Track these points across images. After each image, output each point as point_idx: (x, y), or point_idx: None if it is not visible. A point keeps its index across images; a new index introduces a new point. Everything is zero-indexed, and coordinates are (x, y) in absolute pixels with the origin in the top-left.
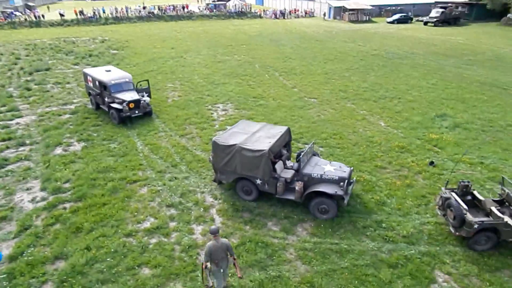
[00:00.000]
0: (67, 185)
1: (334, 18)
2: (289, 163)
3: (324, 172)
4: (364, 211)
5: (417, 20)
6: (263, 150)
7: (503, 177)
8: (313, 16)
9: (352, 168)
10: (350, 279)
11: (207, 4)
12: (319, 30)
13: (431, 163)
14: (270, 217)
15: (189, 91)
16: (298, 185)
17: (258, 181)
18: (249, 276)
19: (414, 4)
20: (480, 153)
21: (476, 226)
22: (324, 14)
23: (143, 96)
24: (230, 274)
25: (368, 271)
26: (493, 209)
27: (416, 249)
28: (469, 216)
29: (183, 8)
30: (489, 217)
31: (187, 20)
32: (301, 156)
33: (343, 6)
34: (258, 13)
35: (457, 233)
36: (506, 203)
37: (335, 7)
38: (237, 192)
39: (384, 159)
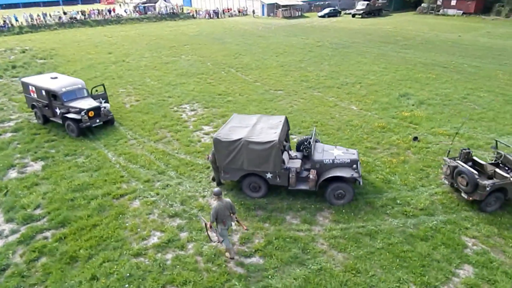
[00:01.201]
0: (38, 211)
1: (268, 15)
2: (291, 153)
3: (335, 157)
4: (375, 191)
5: (345, 13)
6: (272, 141)
7: (496, 141)
8: (247, 14)
9: (357, 150)
10: (391, 258)
11: (135, 7)
12: (258, 27)
13: (415, 138)
14: (286, 210)
15: (146, 94)
16: (312, 174)
17: (269, 175)
18: (291, 274)
19: None
20: (452, 124)
21: (488, 188)
22: (253, 12)
23: (101, 103)
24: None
25: (404, 247)
26: (498, 170)
27: (437, 219)
28: (482, 180)
29: (109, 11)
30: (492, 179)
31: (115, 24)
32: (311, 144)
33: (276, 3)
34: (191, 14)
35: (470, 198)
36: (502, 165)
37: (268, 4)
38: (243, 190)
39: (371, 140)
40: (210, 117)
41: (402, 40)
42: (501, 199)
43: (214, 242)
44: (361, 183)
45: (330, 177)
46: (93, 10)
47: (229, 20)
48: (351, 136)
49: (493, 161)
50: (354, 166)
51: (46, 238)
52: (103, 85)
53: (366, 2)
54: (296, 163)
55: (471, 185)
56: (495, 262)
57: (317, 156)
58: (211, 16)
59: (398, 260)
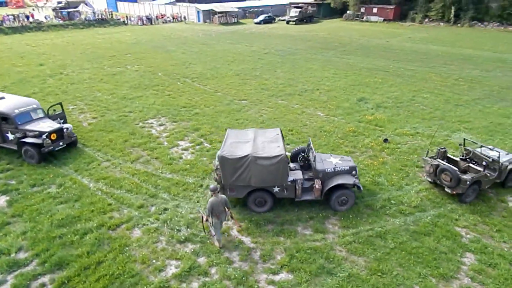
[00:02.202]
0: (23, 254)
1: (204, 21)
2: (290, 165)
3: (335, 165)
4: (369, 194)
5: (279, 20)
6: (280, 155)
7: (464, 139)
8: (181, 21)
9: (350, 157)
10: (406, 256)
11: (56, 12)
12: (197, 34)
13: (385, 140)
14: (295, 222)
15: (103, 110)
16: (317, 183)
17: (276, 189)
18: (323, 285)
19: (272, 6)
20: (410, 125)
21: (468, 182)
22: (185, 18)
23: (60, 124)
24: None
25: (413, 244)
26: (472, 166)
27: (430, 214)
28: (463, 175)
29: (27, 17)
30: (466, 173)
31: (35, 31)
32: (310, 154)
33: (212, 9)
34: (122, 20)
35: (454, 192)
36: (471, 160)
37: (203, 10)
38: (248, 206)
39: (348, 145)
40: (183, 132)
41: (340, 46)
42: (476, 190)
43: (209, 234)
44: (361, 188)
45: (334, 185)
46: (7, 15)
47: (164, 26)
48: (328, 142)
49: (463, 157)
50: (354, 172)
51: (44, 285)
52: (60, 103)
53: (298, 10)
54: (298, 174)
55: (454, 180)
56: (489, 247)
57: (319, 165)
58: (144, 22)
59: (412, 256)
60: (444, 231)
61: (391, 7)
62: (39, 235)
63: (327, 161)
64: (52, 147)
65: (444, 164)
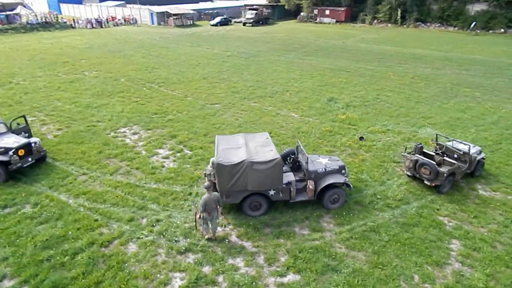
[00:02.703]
0: (8, 282)
1: (159, 24)
2: None
3: (326, 165)
4: (356, 191)
5: (235, 22)
6: (276, 158)
7: (437, 134)
8: (133, 24)
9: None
10: (400, 248)
11: None
12: (154, 37)
13: (361, 138)
14: (292, 223)
15: (68, 121)
16: (311, 184)
17: (272, 192)
18: (331, 282)
19: (227, 8)
20: (381, 122)
21: (446, 174)
22: (135, 20)
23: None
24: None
25: (405, 235)
26: (447, 159)
27: (414, 206)
28: (440, 168)
29: None
30: (440, 166)
31: None
32: (302, 156)
33: (167, 12)
34: (69, 23)
35: (433, 184)
36: (444, 154)
37: (157, 12)
38: (243, 210)
39: (327, 144)
40: (160, 139)
41: (300, 47)
42: (451, 181)
43: (198, 231)
44: (351, 186)
45: (326, 184)
46: None
47: (117, 29)
48: (308, 142)
49: (436, 151)
50: (343, 171)
51: None
52: (24, 116)
53: (254, 12)
54: (291, 176)
55: (433, 173)
56: (471, 232)
57: (311, 166)
58: (94, 25)
59: (406, 247)
60: (429, 221)
61: (343, 9)
62: (23, 259)
63: (317, 162)
64: (20, 164)
65: (423, 159)
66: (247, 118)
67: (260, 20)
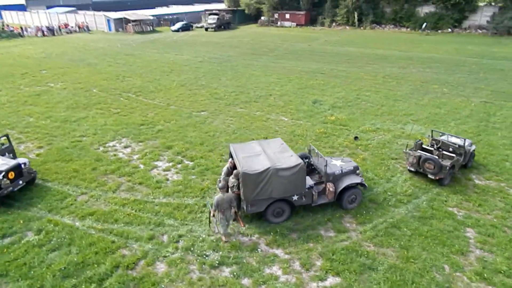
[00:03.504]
0: None
1: (117, 30)
2: None
3: (341, 167)
4: (368, 189)
5: (196, 27)
6: (299, 164)
7: (432, 130)
8: (88, 31)
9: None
10: (424, 240)
11: None
12: (115, 44)
13: (356, 138)
14: (316, 226)
15: (47, 138)
16: (331, 186)
17: (295, 197)
18: (372, 280)
19: (186, 13)
20: (369, 121)
21: (448, 167)
22: (87, 27)
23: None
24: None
25: (425, 228)
26: (446, 153)
27: (423, 200)
28: (445, 162)
29: None
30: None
31: None
32: (318, 159)
33: (125, 18)
34: (17, 32)
35: (436, 177)
36: (440, 149)
37: (114, 19)
38: (266, 218)
39: (325, 146)
40: (155, 151)
41: (269, 51)
42: (452, 174)
43: (212, 229)
44: (366, 186)
45: (345, 186)
46: None
47: (71, 37)
48: (306, 145)
49: (432, 146)
50: (357, 171)
51: None
52: (7, 135)
53: (216, 17)
54: (309, 180)
55: (437, 167)
56: (481, 220)
57: (329, 169)
58: (45, 33)
59: (429, 239)
60: (442, 212)
61: (302, 12)
62: None
63: (332, 164)
64: (11, 188)
65: (426, 154)
66: (238, 125)
67: (222, 25)
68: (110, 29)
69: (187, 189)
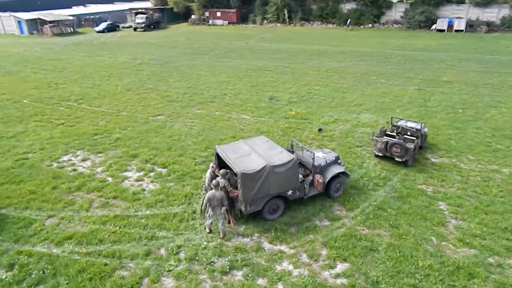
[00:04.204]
0: None
1: (31, 33)
2: None
3: (325, 158)
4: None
5: (123, 27)
6: (292, 159)
7: (392, 117)
8: None
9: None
10: (408, 217)
11: None
12: (33, 48)
13: (320, 130)
14: (310, 217)
15: None
16: (320, 178)
17: (289, 192)
18: (377, 260)
19: (109, 12)
20: (326, 114)
21: (412, 150)
22: None
23: None
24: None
25: (406, 206)
26: (407, 137)
27: (396, 181)
28: (410, 145)
29: None
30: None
31: None
32: (304, 152)
33: (40, 18)
34: None
35: (403, 159)
36: (400, 134)
37: (27, 20)
38: (263, 216)
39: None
40: (120, 162)
41: (209, 50)
42: (414, 155)
43: (206, 225)
44: (348, 174)
45: (332, 175)
46: None
47: None
48: (275, 141)
49: (394, 132)
50: (339, 161)
51: None
52: None
53: (144, 16)
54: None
55: (403, 150)
56: (448, 193)
57: (315, 161)
58: None
59: (413, 216)
60: (415, 190)
61: (233, 10)
62: None
63: (317, 157)
64: None
65: (393, 139)
66: (202, 126)
67: (152, 24)
68: (22, 32)
69: (169, 198)
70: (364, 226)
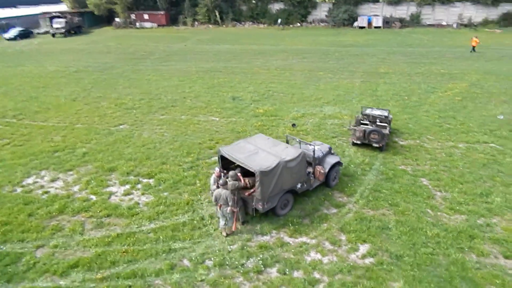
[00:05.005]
0: None
1: None
2: None
3: (321, 150)
4: None
5: (38, 33)
6: (300, 153)
7: (362, 107)
8: None
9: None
10: (401, 195)
11: None
12: None
13: (293, 125)
14: (318, 207)
15: None
16: (321, 169)
17: (299, 186)
18: (392, 238)
19: (17, 17)
20: (292, 109)
21: (386, 135)
22: None
23: None
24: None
25: (396, 186)
26: (378, 124)
27: (379, 164)
28: (385, 131)
29: None
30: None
31: None
32: (303, 145)
33: None
34: None
35: (380, 145)
36: (371, 121)
37: None
38: (276, 212)
39: (271, 136)
40: (97, 178)
41: (148, 54)
42: (387, 140)
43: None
44: (342, 163)
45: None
46: None
47: None
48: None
49: (364, 120)
50: (332, 151)
51: None
52: None
53: (63, 20)
54: None
55: (380, 136)
56: (425, 171)
57: (315, 153)
58: None
59: (405, 194)
60: (398, 171)
61: (162, 12)
62: None
63: (311, 149)
64: None
65: (370, 127)
66: (173, 132)
67: (72, 29)
68: None
69: (170, 208)
70: (368, 208)
